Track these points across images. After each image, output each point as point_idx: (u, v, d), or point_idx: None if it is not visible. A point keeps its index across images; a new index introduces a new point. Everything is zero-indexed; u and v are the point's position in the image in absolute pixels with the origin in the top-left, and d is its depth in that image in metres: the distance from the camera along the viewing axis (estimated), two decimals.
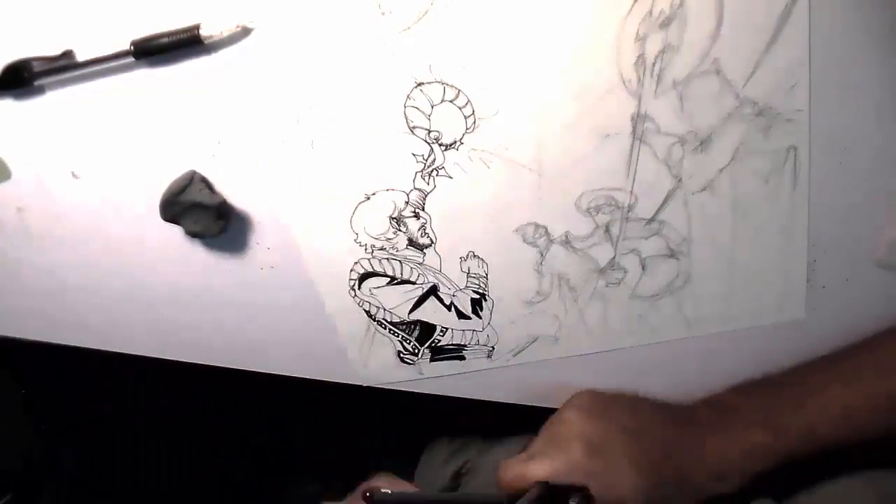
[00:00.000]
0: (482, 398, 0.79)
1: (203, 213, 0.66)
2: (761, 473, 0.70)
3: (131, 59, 0.63)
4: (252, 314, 0.74)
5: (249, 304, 0.73)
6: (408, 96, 0.64)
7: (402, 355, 0.76)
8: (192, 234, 0.68)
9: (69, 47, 0.63)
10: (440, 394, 0.78)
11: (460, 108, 0.64)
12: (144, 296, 0.73)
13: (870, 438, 0.68)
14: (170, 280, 0.73)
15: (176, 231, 0.69)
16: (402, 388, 0.77)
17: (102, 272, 0.72)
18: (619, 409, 0.73)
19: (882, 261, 0.69)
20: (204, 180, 0.66)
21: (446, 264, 0.71)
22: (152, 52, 0.63)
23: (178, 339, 0.76)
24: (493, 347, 0.75)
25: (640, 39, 0.61)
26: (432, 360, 0.75)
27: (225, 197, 0.67)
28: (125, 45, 0.62)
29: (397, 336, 0.74)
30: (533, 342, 0.74)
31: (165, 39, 0.62)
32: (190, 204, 0.65)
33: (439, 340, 0.74)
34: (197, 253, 0.71)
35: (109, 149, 0.67)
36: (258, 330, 0.75)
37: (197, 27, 0.61)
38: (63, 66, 0.63)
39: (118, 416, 1.07)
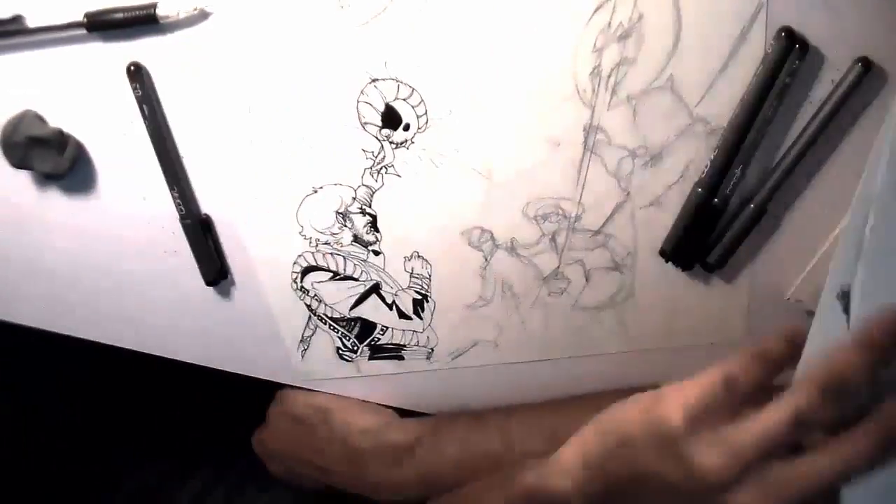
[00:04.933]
0: (417, 406, 0.79)
1: (44, 149, 0.64)
2: None
3: (84, 32, 0.62)
4: (188, 303, 0.73)
5: (186, 292, 0.73)
6: (361, 91, 0.63)
7: (340, 352, 0.75)
8: (47, 176, 0.67)
9: (19, 12, 0.62)
10: (376, 401, 0.78)
11: (413, 107, 0.64)
12: (89, 281, 0.73)
13: None
14: (115, 268, 0.72)
15: (123, 213, 0.69)
16: (338, 387, 0.77)
17: (45, 254, 0.71)
18: None
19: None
20: (37, 115, 0.65)
21: (390, 263, 0.70)
22: (106, 26, 0.62)
23: (119, 326, 0.75)
24: (432, 349, 0.74)
25: (598, 50, 0.61)
26: (371, 358, 0.75)
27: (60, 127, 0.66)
28: (79, 17, 0.61)
29: (337, 332, 0.74)
30: (473, 346, 0.74)
31: (120, 15, 0.61)
32: (27, 141, 0.64)
33: (379, 339, 0.74)
34: (133, 239, 0.70)
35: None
36: (193, 319, 0.74)
37: (154, 5, 0.61)
38: (12, 31, 0.62)
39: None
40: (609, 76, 0.62)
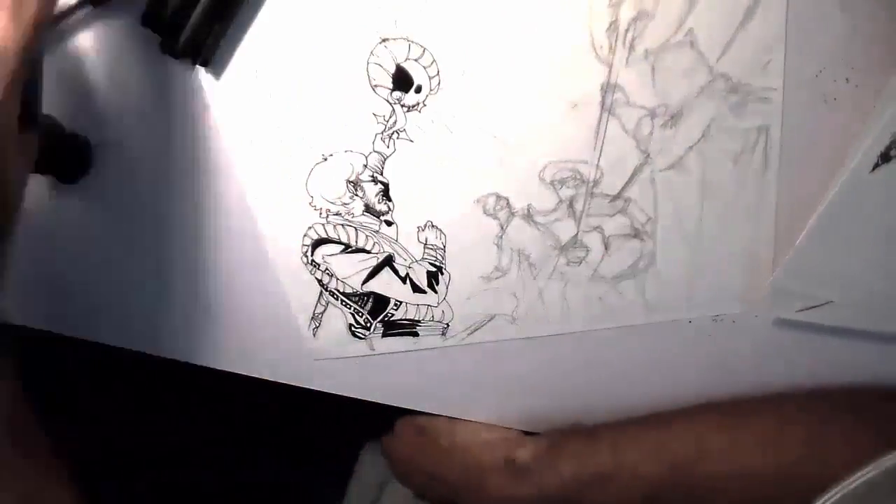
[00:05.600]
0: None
1: (62, 154, 0.65)
2: None
3: (90, 8, 0.62)
4: (203, 279, 0.72)
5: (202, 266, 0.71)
6: (371, 52, 0.62)
7: (353, 329, 0.73)
8: (65, 180, 0.67)
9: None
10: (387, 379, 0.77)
11: (425, 68, 0.62)
12: (106, 284, 0.72)
13: None
14: (135, 270, 0.71)
15: (141, 214, 0.68)
16: (350, 367, 0.75)
17: (68, 259, 0.71)
18: None
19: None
20: (55, 120, 0.65)
21: (403, 233, 0.68)
22: None
23: (137, 329, 0.74)
24: (447, 325, 0.72)
25: (614, 5, 0.59)
26: (384, 335, 0.73)
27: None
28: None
29: (349, 308, 0.72)
30: (489, 321, 0.72)
31: None
32: (45, 146, 0.63)
33: (392, 315, 0.72)
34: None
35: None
36: (204, 294, 0.73)
37: None
38: None
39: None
40: (626, 31, 0.60)
